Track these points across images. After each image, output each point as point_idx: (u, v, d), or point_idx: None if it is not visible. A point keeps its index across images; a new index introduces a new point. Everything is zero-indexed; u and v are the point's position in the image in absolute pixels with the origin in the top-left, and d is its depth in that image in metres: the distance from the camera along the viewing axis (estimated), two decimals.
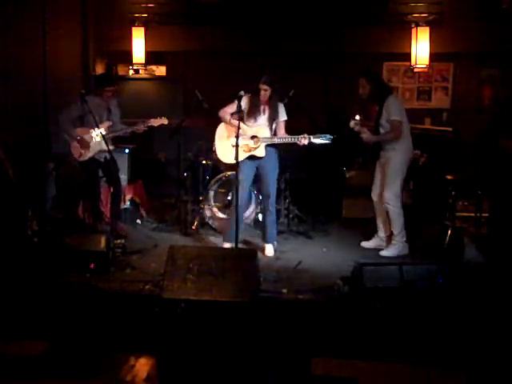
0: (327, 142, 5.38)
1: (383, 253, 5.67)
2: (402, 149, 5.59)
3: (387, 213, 5.67)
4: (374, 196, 5.85)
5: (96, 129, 5.73)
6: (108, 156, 5.62)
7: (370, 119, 5.93)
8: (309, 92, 7.41)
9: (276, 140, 5.50)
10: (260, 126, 5.47)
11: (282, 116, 5.58)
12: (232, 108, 5.53)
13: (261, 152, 5.47)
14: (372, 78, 5.68)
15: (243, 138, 5.38)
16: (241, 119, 5.32)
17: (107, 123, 5.89)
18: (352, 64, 7.76)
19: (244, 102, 5.48)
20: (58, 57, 7.04)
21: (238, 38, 7.90)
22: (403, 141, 5.59)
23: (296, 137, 5.38)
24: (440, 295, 4.38)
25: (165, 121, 5.98)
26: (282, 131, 5.57)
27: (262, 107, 5.50)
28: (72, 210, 6.54)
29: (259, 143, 5.43)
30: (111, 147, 5.76)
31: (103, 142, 5.57)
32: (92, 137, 5.87)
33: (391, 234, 5.73)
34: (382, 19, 7.68)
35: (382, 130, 5.62)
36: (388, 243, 5.76)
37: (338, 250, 5.94)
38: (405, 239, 5.67)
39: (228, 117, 5.56)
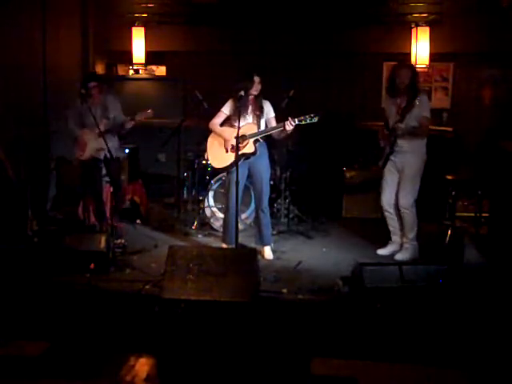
0: (314, 121, 5.23)
1: (398, 257, 5.53)
2: (420, 151, 5.43)
3: (402, 217, 5.53)
4: (386, 203, 5.62)
5: (93, 128, 5.75)
6: (108, 155, 5.64)
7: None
8: (309, 92, 7.42)
9: (262, 133, 5.44)
10: (247, 125, 5.41)
11: (269, 113, 5.54)
12: (219, 118, 5.58)
13: (250, 148, 5.42)
14: (415, 71, 5.51)
15: (230, 142, 5.42)
16: (229, 124, 5.48)
17: (103, 121, 5.88)
18: (352, 64, 7.77)
19: (228, 108, 5.54)
20: (58, 57, 7.05)
21: (238, 38, 7.91)
22: (423, 143, 5.43)
23: (280, 124, 5.31)
24: (440, 295, 4.38)
25: (151, 113, 5.92)
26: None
27: (247, 107, 5.44)
28: (72, 210, 6.54)
29: (246, 140, 5.41)
30: (115, 143, 5.83)
31: (100, 140, 5.58)
32: (89, 137, 5.88)
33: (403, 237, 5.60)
34: (382, 19, 7.68)
35: (402, 126, 5.33)
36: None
37: (338, 249, 5.94)
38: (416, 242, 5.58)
39: (217, 127, 5.57)
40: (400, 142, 5.39)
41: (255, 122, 5.47)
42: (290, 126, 5.22)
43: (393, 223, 5.68)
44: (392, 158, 5.47)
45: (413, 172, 5.44)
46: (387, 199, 5.62)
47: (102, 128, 5.76)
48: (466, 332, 3.99)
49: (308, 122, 5.24)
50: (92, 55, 8.11)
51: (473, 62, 7.67)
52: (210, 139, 5.68)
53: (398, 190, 5.54)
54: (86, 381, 3.49)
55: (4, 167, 5.52)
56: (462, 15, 7.49)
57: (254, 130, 5.44)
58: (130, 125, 5.94)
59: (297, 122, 5.23)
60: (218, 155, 5.57)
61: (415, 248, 5.57)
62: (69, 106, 5.98)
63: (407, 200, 5.46)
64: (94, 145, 5.85)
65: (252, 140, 5.41)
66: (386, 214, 5.67)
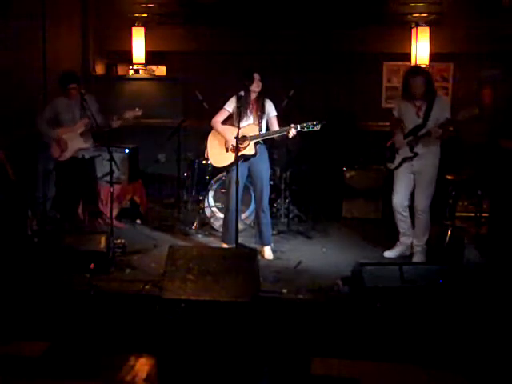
0: (317, 129, 5.24)
1: (416, 259, 5.49)
2: (437, 154, 5.39)
3: (417, 220, 5.48)
4: (399, 205, 5.50)
5: (71, 127, 5.89)
6: (85, 155, 5.97)
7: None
8: (309, 92, 7.41)
9: (264, 136, 5.45)
10: (248, 126, 5.43)
11: (272, 112, 5.53)
12: (221, 116, 5.57)
13: (250, 150, 5.42)
14: (429, 74, 5.42)
15: (231, 142, 5.41)
16: (230, 123, 5.49)
17: (84, 120, 5.88)
18: (352, 64, 7.76)
19: (231, 105, 5.52)
20: (57, 57, 7.04)
21: (238, 38, 7.90)
22: (438, 145, 5.37)
23: (283, 129, 5.33)
24: (440, 295, 4.38)
25: (138, 112, 5.97)
26: (274, 128, 5.50)
27: (248, 106, 5.46)
28: (72, 210, 6.53)
29: (247, 142, 5.41)
30: (90, 144, 6.01)
31: (81, 140, 5.87)
32: (70, 136, 5.91)
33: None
34: (382, 19, 7.67)
35: (424, 130, 5.29)
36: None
37: (338, 250, 5.94)
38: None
39: (219, 125, 5.57)
40: (419, 145, 5.34)
41: (257, 122, 5.47)
42: (292, 133, 5.25)
43: (404, 225, 5.60)
44: (409, 160, 5.42)
45: (431, 175, 5.41)
46: (401, 201, 5.53)
47: (82, 127, 5.86)
48: (465, 332, 3.99)
49: (310, 129, 5.25)
50: (92, 55, 8.11)
51: (473, 61, 7.66)
52: (210, 137, 5.67)
53: (415, 192, 5.48)
54: (86, 381, 3.49)
55: (4, 168, 5.52)
56: (461, 15, 7.48)
57: (256, 131, 5.44)
58: (116, 124, 5.91)
59: (299, 129, 5.25)
60: (218, 154, 5.57)
61: (425, 250, 5.54)
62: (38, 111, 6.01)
63: (426, 203, 5.43)
64: (75, 145, 5.90)
65: (253, 142, 5.41)
66: (398, 215, 5.57)
